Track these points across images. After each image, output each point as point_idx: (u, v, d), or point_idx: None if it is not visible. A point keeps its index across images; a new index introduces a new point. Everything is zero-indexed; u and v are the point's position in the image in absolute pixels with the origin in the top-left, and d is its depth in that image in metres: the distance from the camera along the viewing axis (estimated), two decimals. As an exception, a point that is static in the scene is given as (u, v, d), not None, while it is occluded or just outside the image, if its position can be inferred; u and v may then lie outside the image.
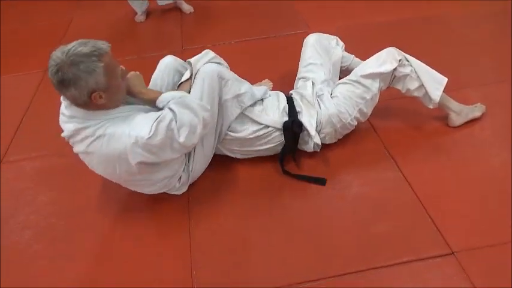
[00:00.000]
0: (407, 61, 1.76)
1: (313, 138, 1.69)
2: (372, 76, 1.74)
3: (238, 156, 1.79)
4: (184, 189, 1.69)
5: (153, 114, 1.43)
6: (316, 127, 1.72)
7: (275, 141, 1.73)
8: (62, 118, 1.47)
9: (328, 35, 2.01)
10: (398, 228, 1.50)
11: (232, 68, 2.19)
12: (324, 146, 1.81)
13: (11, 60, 2.90)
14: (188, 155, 1.64)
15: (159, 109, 1.49)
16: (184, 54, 2.68)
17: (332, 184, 1.70)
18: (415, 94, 1.81)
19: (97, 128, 1.39)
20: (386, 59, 1.74)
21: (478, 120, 1.89)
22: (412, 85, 1.78)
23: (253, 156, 1.79)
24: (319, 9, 3.02)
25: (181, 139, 1.43)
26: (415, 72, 1.76)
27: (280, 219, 1.59)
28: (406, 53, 1.79)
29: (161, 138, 1.38)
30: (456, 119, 1.86)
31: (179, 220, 1.63)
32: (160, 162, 1.50)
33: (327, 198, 1.65)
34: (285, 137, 1.71)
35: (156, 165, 1.51)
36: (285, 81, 2.14)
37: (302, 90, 1.81)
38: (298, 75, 1.94)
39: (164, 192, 1.66)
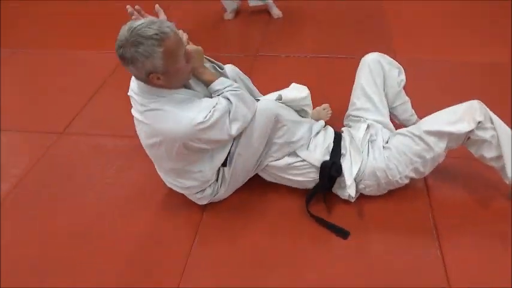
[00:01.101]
0: (491, 123, 1.46)
1: (348, 188, 1.50)
2: (438, 134, 1.48)
3: (267, 178, 1.67)
4: (204, 202, 1.63)
5: (210, 101, 1.39)
6: (357, 176, 1.53)
7: (309, 176, 1.58)
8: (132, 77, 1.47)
9: (392, 59, 1.77)
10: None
11: (300, 83, 2.05)
12: (363, 195, 1.62)
13: (101, 36, 3.08)
14: (222, 178, 1.58)
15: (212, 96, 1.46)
16: (257, 60, 2.62)
17: (356, 239, 1.51)
18: (491, 163, 1.52)
19: (153, 101, 1.37)
20: (463, 117, 1.46)
21: None
22: (489, 153, 1.49)
23: (283, 183, 1.66)
24: (413, 36, 2.74)
25: (233, 132, 1.42)
26: (497, 138, 1.46)
27: (281, 260, 1.47)
28: (493, 108, 1.48)
29: (213, 126, 1.36)
30: (536, 206, 1.52)
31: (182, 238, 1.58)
32: (199, 154, 1.46)
33: (342, 254, 1.48)
34: (320, 177, 1.55)
35: (193, 157, 1.46)
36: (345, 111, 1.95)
37: (354, 131, 1.62)
38: (350, 106, 1.76)
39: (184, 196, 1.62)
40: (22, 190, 1.83)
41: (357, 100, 1.74)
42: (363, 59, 1.78)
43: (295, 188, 1.66)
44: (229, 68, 1.66)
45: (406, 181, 1.57)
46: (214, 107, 1.36)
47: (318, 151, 1.56)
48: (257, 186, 1.70)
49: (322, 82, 2.33)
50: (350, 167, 1.52)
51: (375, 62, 1.72)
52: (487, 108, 1.49)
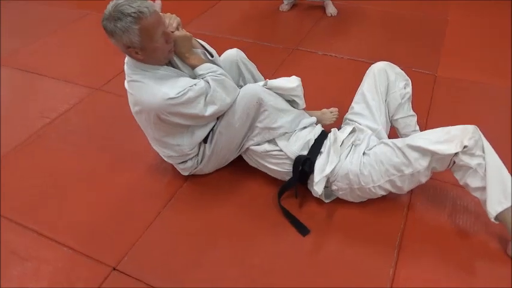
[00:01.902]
0: (482, 152, 1.36)
1: (314, 185, 1.49)
2: (421, 151, 1.41)
3: (249, 162, 1.72)
4: (186, 173, 1.73)
5: (188, 81, 1.48)
6: (331, 176, 1.51)
7: (284, 167, 1.60)
8: None
9: (401, 71, 1.72)
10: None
11: (324, 83, 2.04)
12: (342, 200, 1.60)
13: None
14: (203, 154, 1.66)
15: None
16: (293, 54, 2.64)
17: (313, 238, 1.51)
18: (475, 194, 1.41)
19: (136, 73, 1.49)
20: (452, 138, 1.38)
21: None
22: (473, 182, 1.38)
23: (263, 170, 1.70)
24: (464, 55, 2.55)
25: (207, 113, 1.50)
26: (484, 169, 1.35)
27: (234, 238, 1.52)
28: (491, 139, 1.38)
29: (184, 104, 1.44)
30: (518, 251, 1.38)
31: (159, 198, 1.69)
32: (178, 128, 1.55)
33: (293, 248, 1.49)
34: (293, 170, 1.55)
35: (172, 130, 1.56)
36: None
37: (341, 132, 1.59)
38: (349, 109, 1.74)
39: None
40: (50, 129, 2.10)
41: (356, 105, 1.71)
42: (371, 66, 1.74)
43: (276, 178, 1.68)
44: (233, 52, 1.73)
45: (382, 192, 1.51)
46: (191, 86, 1.44)
47: (297, 144, 1.56)
48: (241, 169, 1.75)
49: (348, 85, 2.26)
50: (323, 166, 1.50)
51: (381, 71, 1.69)
52: (482, 136, 1.38)
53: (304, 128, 1.63)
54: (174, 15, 1.49)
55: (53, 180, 1.80)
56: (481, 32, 2.77)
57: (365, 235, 1.51)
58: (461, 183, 1.43)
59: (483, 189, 1.37)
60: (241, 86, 1.64)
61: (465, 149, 1.34)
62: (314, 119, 1.68)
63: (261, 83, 1.58)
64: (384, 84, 1.68)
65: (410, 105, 1.73)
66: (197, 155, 1.66)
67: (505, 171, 1.37)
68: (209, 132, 1.60)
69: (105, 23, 1.35)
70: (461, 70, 2.40)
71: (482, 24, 2.87)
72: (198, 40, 1.60)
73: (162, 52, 1.45)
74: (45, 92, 2.43)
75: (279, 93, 1.59)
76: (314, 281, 1.38)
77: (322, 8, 3.13)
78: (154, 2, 1.50)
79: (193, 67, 1.55)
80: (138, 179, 1.79)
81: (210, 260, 1.46)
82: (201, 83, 1.47)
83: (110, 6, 1.34)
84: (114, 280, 1.42)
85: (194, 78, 1.54)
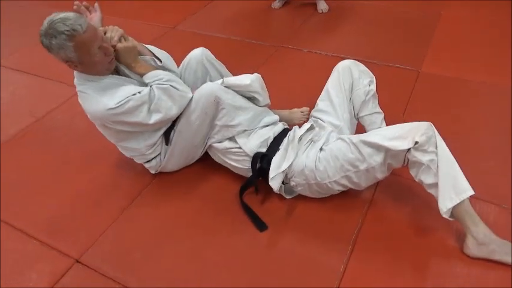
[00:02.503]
0: (435, 149, 1.34)
1: (270, 181, 1.51)
2: (374, 146, 1.40)
3: (215, 158, 1.75)
4: (153, 171, 1.77)
5: (129, 90, 1.51)
6: (289, 172, 1.53)
7: (245, 164, 1.62)
8: None
9: (366, 69, 1.72)
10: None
11: (304, 80, 2.01)
12: (304, 196, 1.61)
13: (159, 10, 3.37)
14: (165, 153, 1.69)
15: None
16: (278, 51, 2.65)
17: (269, 233, 1.53)
18: (429, 191, 1.40)
19: (81, 84, 1.55)
20: (405, 134, 1.37)
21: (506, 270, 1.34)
22: (426, 179, 1.37)
23: (227, 167, 1.72)
24: (451, 51, 2.50)
25: (151, 121, 1.53)
26: (436, 165, 1.34)
27: (191, 229, 1.57)
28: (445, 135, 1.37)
29: (125, 113, 1.48)
30: (473, 248, 1.36)
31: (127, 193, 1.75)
32: (128, 134, 1.60)
33: (248, 242, 1.51)
34: (251, 167, 1.57)
35: (122, 135, 1.61)
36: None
37: (300, 129, 1.60)
38: (315, 107, 1.75)
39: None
40: (37, 126, 2.19)
41: (320, 102, 1.73)
42: (336, 65, 1.74)
43: (241, 175, 1.71)
44: (198, 51, 1.75)
45: (340, 188, 1.52)
46: (133, 95, 1.47)
47: (257, 142, 1.58)
48: (209, 166, 1.79)
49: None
50: (280, 162, 1.52)
51: (345, 68, 1.69)
52: (436, 133, 1.36)
53: (266, 126, 1.64)
54: (116, 27, 1.54)
55: (27, 175, 1.88)
56: (473, 30, 2.70)
57: (322, 231, 1.52)
58: (416, 180, 1.42)
59: (436, 185, 1.35)
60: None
61: (416, 145, 1.33)
62: (276, 117, 1.69)
63: (219, 81, 1.60)
64: (348, 81, 1.68)
65: (376, 103, 1.72)
66: (159, 154, 1.70)
67: (457, 168, 1.35)
68: (170, 131, 1.64)
69: (42, 39, 1.41)
70: (447, 67, 2.35)
71: (475, 22, 2.78)
72: (147, 46, 1.64)
73: (101, 65, 1.49)
74: (36, 92, 2.53)
75: (238, 90, 1.61)
76: (264, 276, 1.40)
77: (314, 5, 3.12)
78: (91, 14, 1.57)
79: (141, 75, 1.57)
80: (108, 175, 1.85)
81: (168, 253, 1.50)
82: (144, 91, 1.49)
83: (45, 23, 1.40)
84: (77, 272, 1.48)
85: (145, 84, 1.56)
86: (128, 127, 1.55)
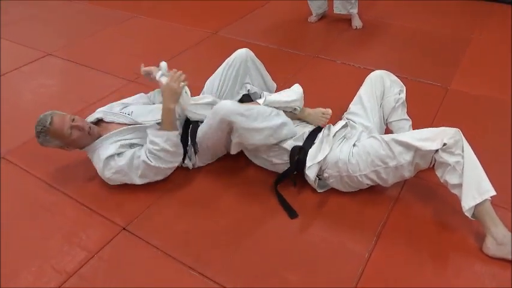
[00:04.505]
0: (461, 152, 1.46)
1: (307, 169, 1.64)
2: (405, 145, 1.53)
3: (247, 154, 1.88)
4: (190, 168, 1.89)
5: (122, 163, 1.72)
6: (323, 164, 1.66)
7: (283, 159, 1.75)
8: None
9: (397, 78, 1.85)
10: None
11: (336, 89, 2.15)
12: (335, 190, 1.74)
13: (202, 16, 3.59)
14: (191, 156, 1.85)
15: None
16: (312, 60, 2.80)
17: (300, 221, 1.65)
18: (454, 191, 1.51)
19: (89, 154, 1.83)
20: (435, 137, 1.49)
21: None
22: (452, 179, 1.48)
23: (266, 167, 1.85)
24: (480, 74, 2.60)
25: (137, 183, 1.76)
26: (462, 167, 1.45)
27: (227, 211, 1.71)
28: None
29: (114, 179, 1.76)
30: (492, 248, 1.46)
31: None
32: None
33: (278, 227, 1.64)
34: (290, 159, 1.71)
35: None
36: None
37: (334, 126, 1.74)
38: (347, 110, 1.89)
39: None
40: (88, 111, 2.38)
41: (352, 106, 1.87)
42: (369, 74, 1.88)
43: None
44: (243, 51, 1.93)
45: (369, 182, 1.63)
46: (116, 167, 1.72)
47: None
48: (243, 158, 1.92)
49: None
50: (315, 153, 1.66)
51: (377, 77, 1.84)
52: (463, 138, 1.48)
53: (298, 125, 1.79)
54: (180, 72, 1.74)
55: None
56: (503, 53, 2.81)
57: (350, 222, 1.64)
58: (441, 180, 1.53)
59: (460, 186, 1.46)
60: (246, 84, 1.88)
61: (444, 147, 1.45)
62: (295, 131, 1.74)
63: (260, 100, 1.76)
64: (379, 89, 1.81)
65: (405, 110, 1.85)
66: (188, 156, 1.84)
67: (481, 170, 1.46)
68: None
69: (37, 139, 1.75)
70: (475, 86, 2.46)
71: (505, 45, 2.90)
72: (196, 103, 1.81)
73: (82, 139, 1.75)
74: (87, 81, 2.74)
75: (276, 106, 1.75)
76: (294, 257, 1.52)
77: (349, 21, 3.28)
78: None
79: (160, 123, 1.74)
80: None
81: (208, 230, 1.64)
82: (136, 162, 1.70)
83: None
84: (123, 238, 1.63)
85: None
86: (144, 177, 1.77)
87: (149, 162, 1.68)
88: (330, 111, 1.84)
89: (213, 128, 1.69)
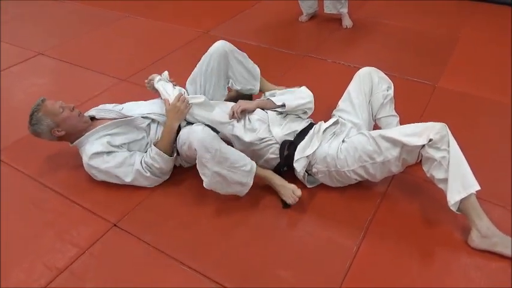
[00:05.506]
0: (447, 147, 1.49)
1: (295, 162, 1.67)
2: (391, 141, 1.56)
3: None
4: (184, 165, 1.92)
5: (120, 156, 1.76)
6: (312, 159, 1.69)
7: (274, 152, 1.76)
8: None
9: (385, 75, 1.88)
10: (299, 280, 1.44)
11: (329, 88, 2.19)
12: (324, 185, 1.77)
13: (195, 16, 3.61)
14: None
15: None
16: (303, 59, 2.83)
17: (289, 214, 1.69)
18: (439, 186, 1.54)
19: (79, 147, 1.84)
20: (421, 132, 1.52)
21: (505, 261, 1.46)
22: (437, 174, 1.52)
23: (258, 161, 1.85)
24: (468, 72, 2.65)
25: (126, 182, 1.79)
26: (448, 162, 1.48)
27: (226, 212, 1.72)
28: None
29: (98, 174, 1.79)
30: (477, 240, 1.49)
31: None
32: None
33: (268, 219, 1.68)
34: (279, 152, 1.73)
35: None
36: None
37: (325, 123, 1.76)
38: (336, 107, 1.91)
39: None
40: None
41: (341, 102, 1.89)
42: (358, 71, 1.91)
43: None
44: (219, 44, 1.91)
45: (357, 177, 1.66)
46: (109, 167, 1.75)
47: (285, 131, 1.75)
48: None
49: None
50: (304, 147, 1.69)
51: (366, 74, 1.86)
52: (449, 133, 1.51)
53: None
54: (186, 99, 1.79)
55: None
56: (490, 51, 2.86)
57: (338, 216, 1.67)
58: (428, 175, 1.56)
59: (446, 181, 1.49)
60: (229, 77, 1.92)
61: (431, 142, 1.48)
62: (243, 193, 1.71)
63: (278, 109, 1.80)
64: (368, 86, 1.84)
65: (393, 107, 1.88)
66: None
67: (466, 165, 1.50)
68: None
69: (29, 129, 1.78)
70: (463, 84, 2.50)
71: (492, 43, 2.95)
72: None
73: (73, 119, 1.77)
74: (79, 80, 2.74)
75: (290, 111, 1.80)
76: (285, 252, 1.55)
77: (339, 21, 3.31)
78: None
79: (161, 136, 1.77)
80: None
81: (199, 227, 1.66)
82: (131, 173, 1.76)
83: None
84: (114, 234, 1.64)
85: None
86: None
87: (144, 172, 1.75)
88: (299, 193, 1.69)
89: (186, 146, 1.69)
